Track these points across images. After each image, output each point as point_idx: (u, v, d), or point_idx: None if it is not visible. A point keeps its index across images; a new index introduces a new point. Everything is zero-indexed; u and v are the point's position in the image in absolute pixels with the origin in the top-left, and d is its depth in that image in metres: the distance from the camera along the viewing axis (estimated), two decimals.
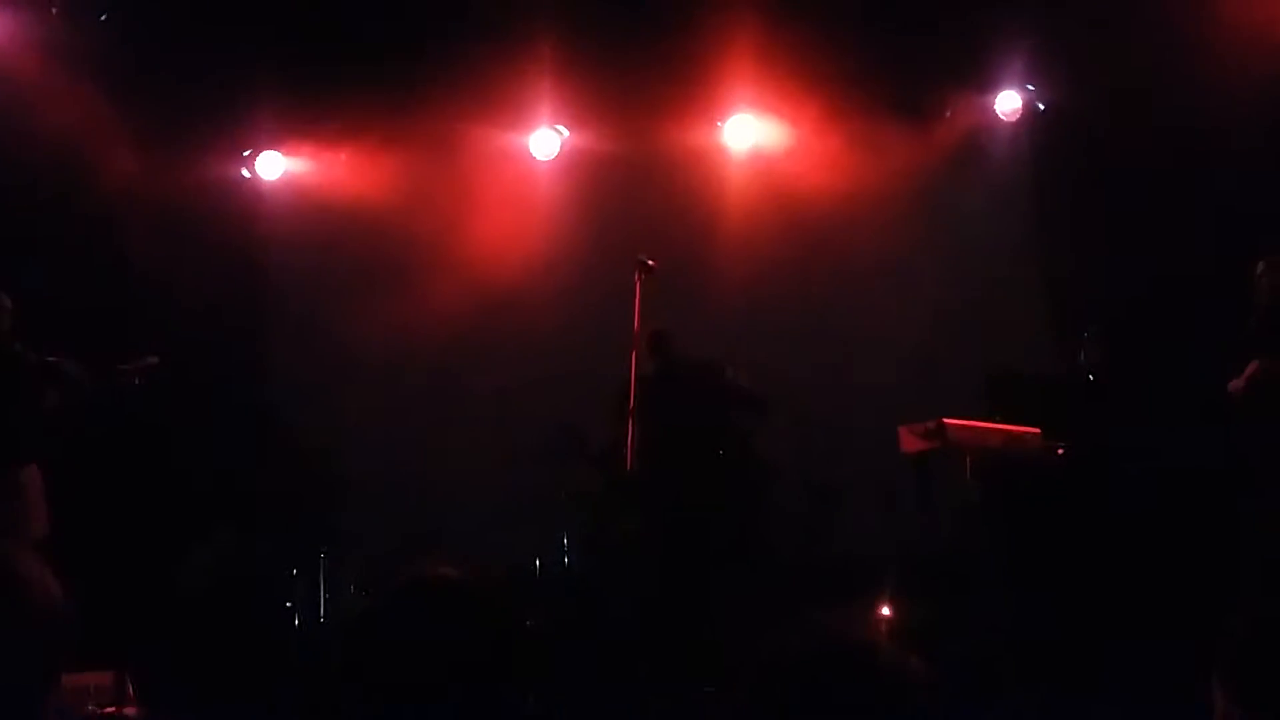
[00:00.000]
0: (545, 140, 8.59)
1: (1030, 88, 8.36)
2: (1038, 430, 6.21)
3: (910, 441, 6.26)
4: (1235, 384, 5.66)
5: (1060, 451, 6.24)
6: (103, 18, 7.49)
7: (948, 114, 8.53)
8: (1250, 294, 5.78)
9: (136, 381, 5.92)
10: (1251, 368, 5.56)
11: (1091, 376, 6.81)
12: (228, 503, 7.43)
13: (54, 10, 7.34)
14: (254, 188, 8.77)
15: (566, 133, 8.61)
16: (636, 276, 6.56)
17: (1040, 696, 5.65)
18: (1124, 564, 6.33)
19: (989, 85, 8.38)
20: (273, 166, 8.71)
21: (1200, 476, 6.36)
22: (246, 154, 8.67)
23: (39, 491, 5.61)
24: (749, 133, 8.49)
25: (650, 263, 6.57)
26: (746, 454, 7.02)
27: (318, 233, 8.72)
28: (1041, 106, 8.39)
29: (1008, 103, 8.35)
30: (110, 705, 5.75)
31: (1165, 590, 6.02)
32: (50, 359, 5.65)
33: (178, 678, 6.25)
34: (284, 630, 7.10)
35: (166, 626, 6.33)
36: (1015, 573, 6.33)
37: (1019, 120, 8.39)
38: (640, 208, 8.28)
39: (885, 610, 6.25)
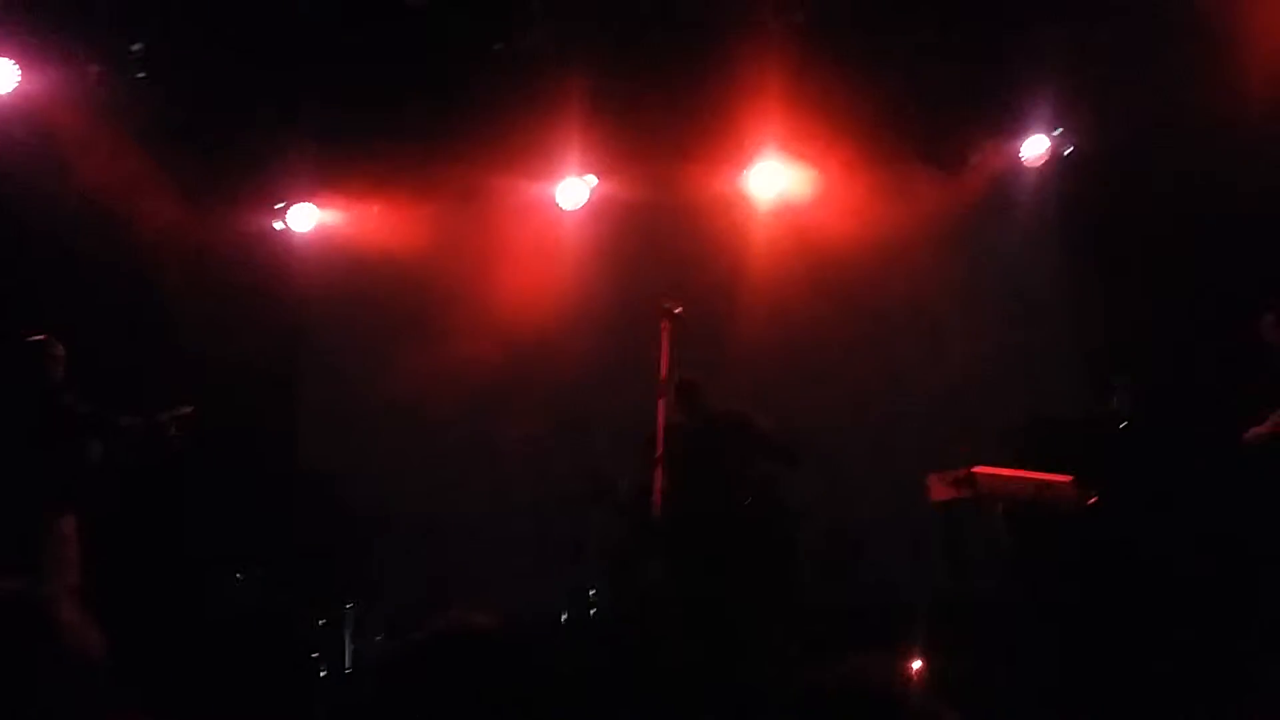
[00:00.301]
0: (572, 189, 8.68)
1: (1057, 132, 8.37)
2: (1070, 478, 6.14)
3: (940, 490, 6.23)
4: (1257, 432, 5.62)
5: (1092, 500, 6.17)
6: (140, 75, 7.65)
7: (974, 159, 8.55)
8: (1257, 344, 5.79)
9: (173, 432, 6.01)
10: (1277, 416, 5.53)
11: (1123, 424, 6.76)
12: (259, 552, 7.47)
13: (94, 69, 7.51)
14: (288, 239, 8.90)
15: (594, 181, 8.69)
16: (663, 323, 6.56)
17: None
18: (1156, 613, 6.23)
19: (1015, 130, 8.39)
20: (306, 218, 8.84)
21: (1229, 523, 6.28)
22: (280, 206, 8.80)
23: (75, 539, 5.69)
24: (775, 179, 8.53)
25: (677, 310, 6.57)
26: (773, 502, 6.99)
27: (350, 283, 8.83)
28: (1068, 151, 8.39)
29: (1034, 148, 8.36)
30: None
31: (1197, 640, 5.92)
32: (97, 410, 5.76)
33: None
34: (310, 679, 7.10)
35: (195, 674, 6.34)
36: (1047, 622, 6.24)
37: (1046, 165, 8.39)
38: (667, 254, 8.33)
39: (916, 662, 6.18)
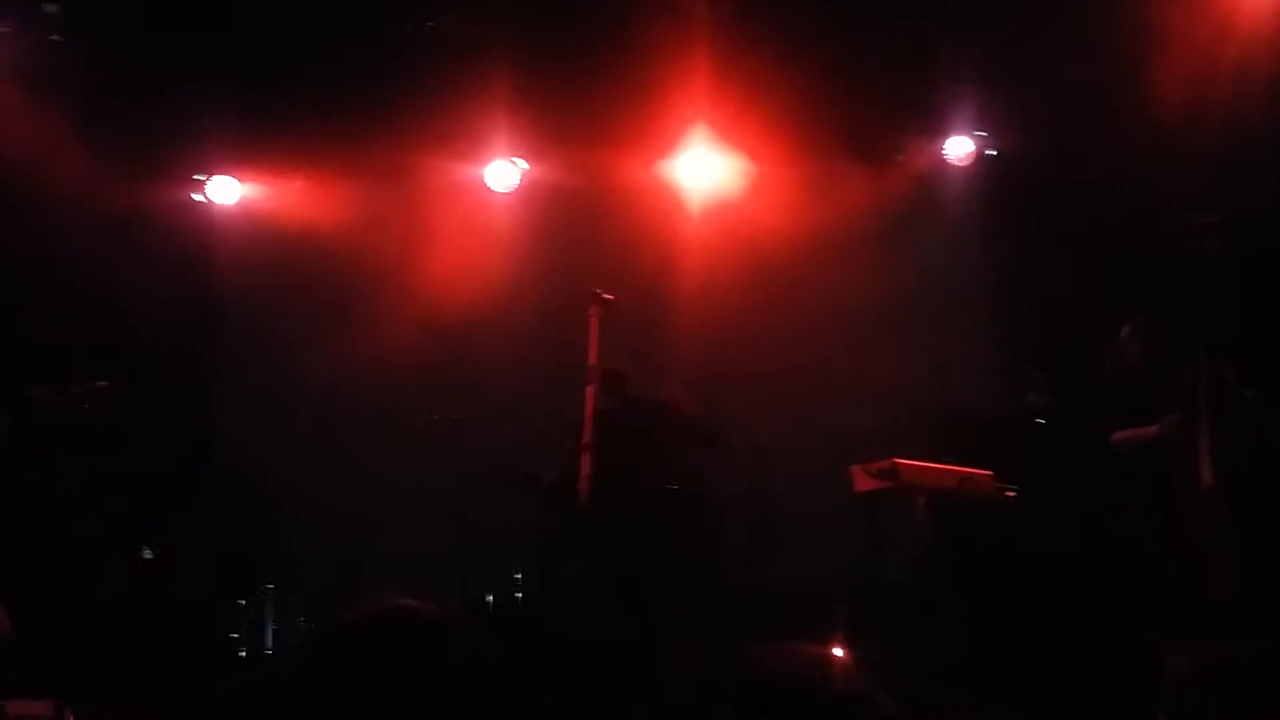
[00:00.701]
0: (502, 172, 8.62)
1: (981, 133, 8.53)
2: (990, 472, 6.28)
3: (863, 480, 6.32)
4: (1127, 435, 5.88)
5: (1010, 494, 6.32)
6: (55, 38, 7.41)
7: (902, 157, 8.68)
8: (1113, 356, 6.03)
9: (86, 406, 5.86)
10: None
11: (1039, 420, 6.92)
12: (175, 529, 7.30)
13: (5, 29, 7.26)
14: (207, 212, 8.69)
15: (525, 165, 8.64)
16: (593, 310, 6.55)
17: None
18: (1067, 604, 6.41)
19: (941, 130, 8.53)
20: (228, 192, 8.64)
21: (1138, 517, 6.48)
22: (200, 178, 8.60)
23: None
24: (706, 168, 8.57)
25: (607, 296, 6.57)
26: (696, 489, 7.04)
27: (272, 259, 8.66)
28: (993, 152, 8.57)
29: (960, 147, 8.51)
30: None
31: (1109, 630, 6.10)
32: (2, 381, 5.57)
33: (118, 707, 6.11)
34: (228, 660, 6.98)
35: (108, 654, 6.19)
36: (964, 612, 6.38)
37: (971, 165, 8.55)
38: (598, 241, 8.31)
39: (838, 650, 6.26)
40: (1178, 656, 2.39)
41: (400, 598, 1.81)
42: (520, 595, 6.94)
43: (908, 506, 6.47)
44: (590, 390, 6.44)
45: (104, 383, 6.02)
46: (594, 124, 8.21)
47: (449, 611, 1.82)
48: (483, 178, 8.68)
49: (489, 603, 6.95)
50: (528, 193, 8.72)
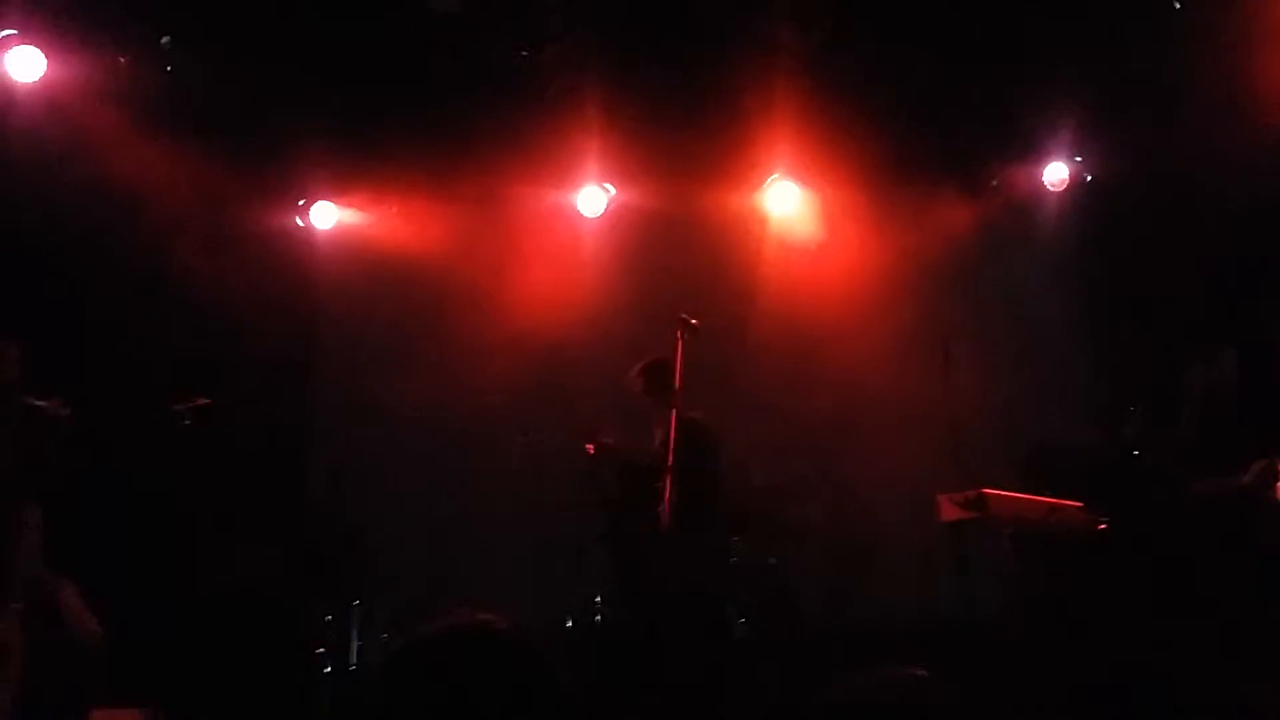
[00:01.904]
0: (592, 197, 8.71)
1: (1078, 159, 8.37)
2: (1080, 504, 6.13)
3: (950, 510, 6.21)
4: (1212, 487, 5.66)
5: (1102, 526, 6.15)
6: (168, 68, 7.70)
7: (994, 184, 8.56)
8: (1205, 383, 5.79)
9: (187, 422, 6.03)
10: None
11: (1136, 452, 6.73)
12: (266, 546, 7.48)
13: (121, 60, 7.56)
14: (308, 236, 8.93)
15: (613, 190, 8.72)
16: (679, 334, 6.56)
17: None
18: (1166, 638, 6.20)
19: (1036, 156, 8.39)
20: (327, 216, 8.88)
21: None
22: (301, 203, 8.85)
23: (39, 529, 5.66)
24: (794, 197, 8.55)
25: (693, 321, 6.57)
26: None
27: (368, 282, 8.86)
28: (1089, 178, 8.40)
29: (1055, 174, 8.36)
30: None
31: (1195, 663, 5.89)
32: (36, 403, 5.70)
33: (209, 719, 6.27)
34: (316, 675, 7.10)
35: (200, 668, 6.35)
36: (1053, 645, 6.22)
37: (1066, 191, 8.39)
38: (685, 266, 8.33)
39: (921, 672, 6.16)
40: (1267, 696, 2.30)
41: (478, 613, 1.83)
42: (600, 619, 6.94)
43: (995, 538, 6.35)
44: (674, 414, 6.43)
45: (205, 399, 6.18)
46: (681, 152, 8.26)
47: (524, 629, 1.83)
48: (574, 203, 8.77)
49: (568, 626, 6.97)
50: (617, 217, 8.79)
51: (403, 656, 1.78)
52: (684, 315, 6.57)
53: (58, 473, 5.62)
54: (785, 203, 8.57)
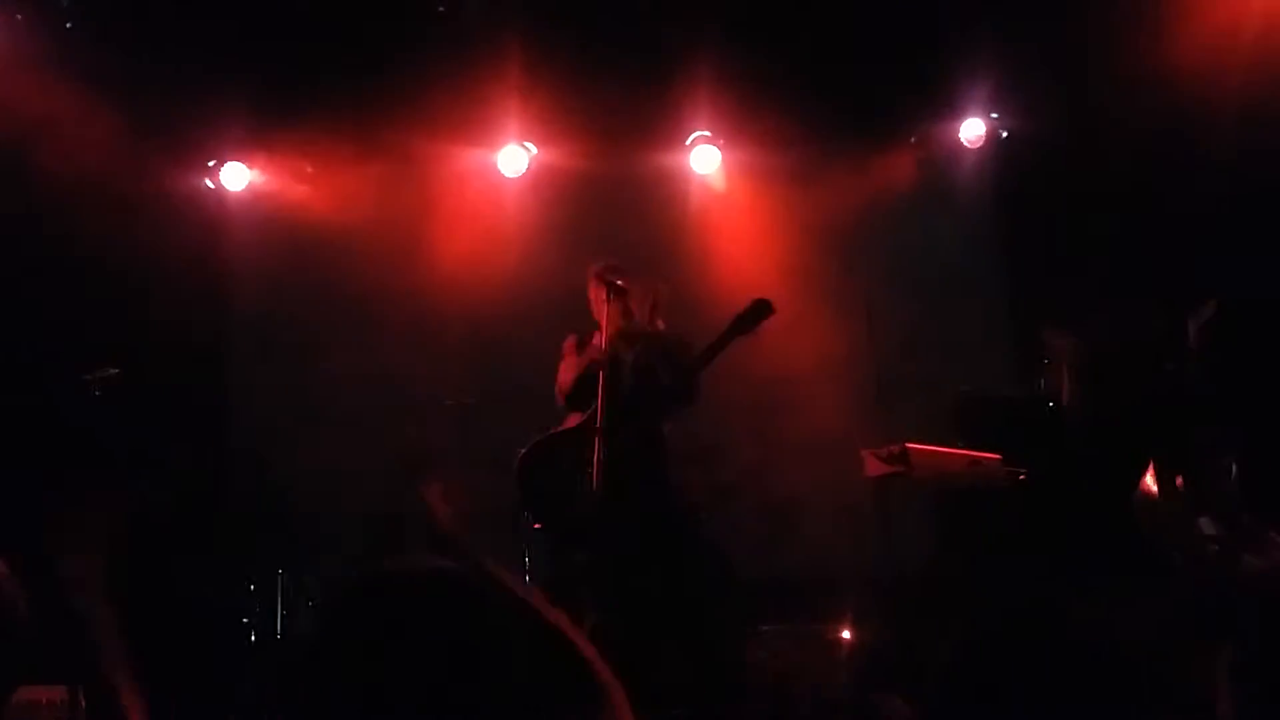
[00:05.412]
0: (513, 157, 8.59)
1: (994, 115, 8.48)
2: (999, 456, 6.26)
3: (874, 465, 6.32)
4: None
5: (1020, 477, 6.29)
6: (68, 25, 7.42)
7: (912, 141, 8.64)
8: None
9: (97, 394, 5.86)
10: None
11: (1051, 403, 6.87)
12: (184, 517, 7.33)
13: (19, 17, 7.27)
14: (218, 198, 8.70)
15: (535, 150, 8.62)
16: (606, 297, 6.54)
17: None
18: (1075, 589, 6.37)
19: (954, 112, 8.48)
20: (237, 177, 8.65)
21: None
22: (211, 164, 8.61)
23: None
24: (716, 155, 8.54)
25: (620, 283, 6.55)
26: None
27: (281, 245, 8.66)
28: (1005, 134, 8.52)
29: (972, 130, 8.46)
30: None
31: (1116, 619, 6.05)
32: None
33: (133, 692, 6.14)
34: (239, 646, 7.01)
35: (124, 643, 6.22)
36: (972, 597, 6.36)
37: (983, 147, 8.50)
38: (608, 226, 8.28)
39: (845, 633, 6.28)
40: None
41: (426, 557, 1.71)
42: (527, 579, 6.94)
43: (918, 491, 6.46)
44: (601, 375, 6.41)
45: (114, 369, 6.00)
46: (604, 108, 8.19)
47: (483, 576, 1.70)
48: (494, 162, 8.66)
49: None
50: (539, 177, 8.70)
51: (350, 596, 1.57)
52: (610, 277, 6.54)
53: None
54: (707, 163, 8.56)
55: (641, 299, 6.73)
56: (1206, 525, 5.43)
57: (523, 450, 6.47)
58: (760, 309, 6.34)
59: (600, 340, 6.53)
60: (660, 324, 6.79)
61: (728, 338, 6.31)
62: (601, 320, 6.54)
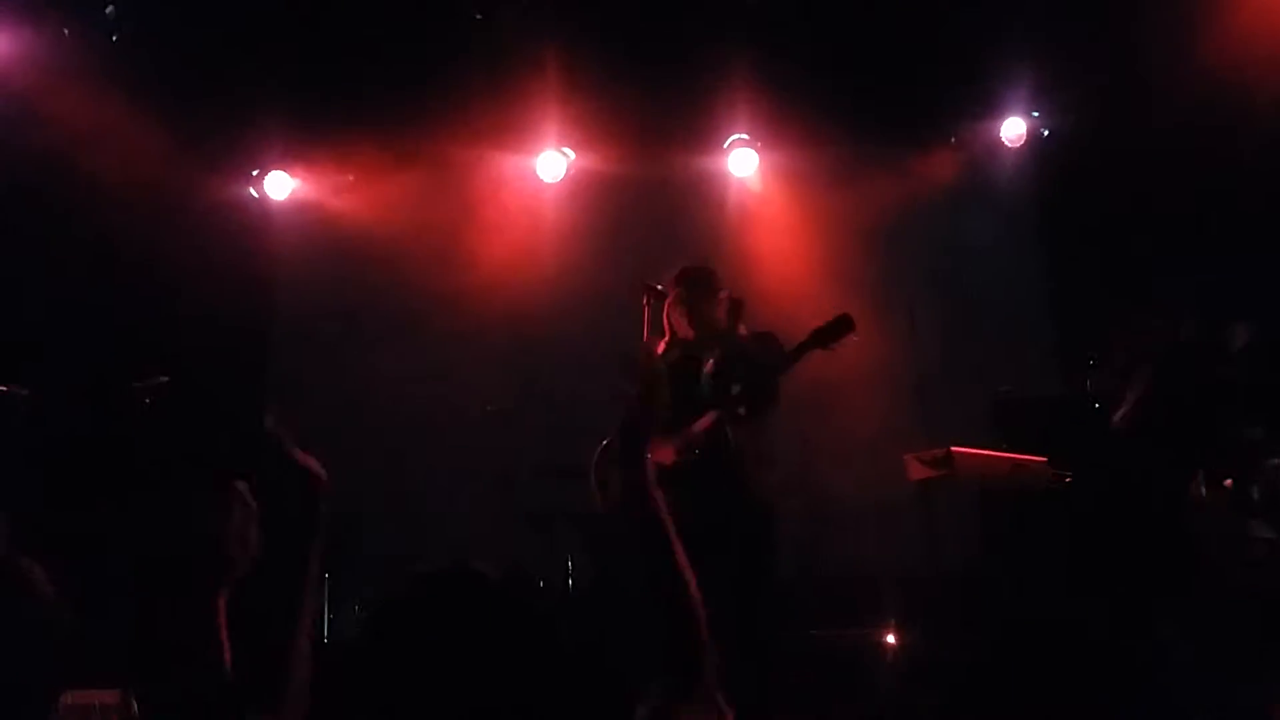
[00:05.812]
0: (551, 162, 8.63)
1: (1035, 114, 8.41)
2: (1044, 459, 6.20)
3: (918, 470, 6.26)
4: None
5: (1066, 480, 6.22)
6: (114, 39, 7.53)
7: (953, 140, 8.58)
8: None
9: (146, 401, 5.92)
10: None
11: (1097, 404, 6.80)
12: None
13: (66, 31, 7.39)
14: (261, 207, 8.80)
15: (573, 155, 8.64)
16: (645, 301, 6.52)
17: None
18: (1126, 591, 6.29)
19: (994, 112, 8.42)
20: (280, 186, 8.74)
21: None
22: (254, 173, 8.70)
23: None
24: (754, 158, 8.53)
25: (659, 287, 6.53)
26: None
27: (324, 252, 8.75)
28: (1046, 132, 8.44)
29: (1013, 129, 8.39)
30: None
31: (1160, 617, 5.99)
32: None
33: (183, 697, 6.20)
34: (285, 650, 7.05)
35: (172, 648, 6.28)
36: (1020, 599, 6.30)
37: (1024, 146, 8.43)
38: (647, 230, 8.29)
39: (890, 637, 6.23)
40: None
41: (466, 561, 1.74)
42: (571, 582, 6.96)
43: (963, 493, 6.41)
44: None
45: (163, 377, 6.06)
46: (642, 114, 8.20)
47: (518, 580, 1.76)
48: (533, 168, 8.69)
49: (540, 586, 6.97)
50: (577, 182, 8.72)
51: (393, 604, 1.72)
52: (649, 281, 6.52)
53: (18, 455, 5.53)
54: (745, 166, 8.55)
55: (722, 305, 6.65)
56: (1257, 528, 5.37)
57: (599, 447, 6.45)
58: (842, 324, 6.17)
59: (660, 348, 6.47)
60: (742, 330, 6.74)
61: (804, 349, 6.17)
62: (644, 324, 6.51)
